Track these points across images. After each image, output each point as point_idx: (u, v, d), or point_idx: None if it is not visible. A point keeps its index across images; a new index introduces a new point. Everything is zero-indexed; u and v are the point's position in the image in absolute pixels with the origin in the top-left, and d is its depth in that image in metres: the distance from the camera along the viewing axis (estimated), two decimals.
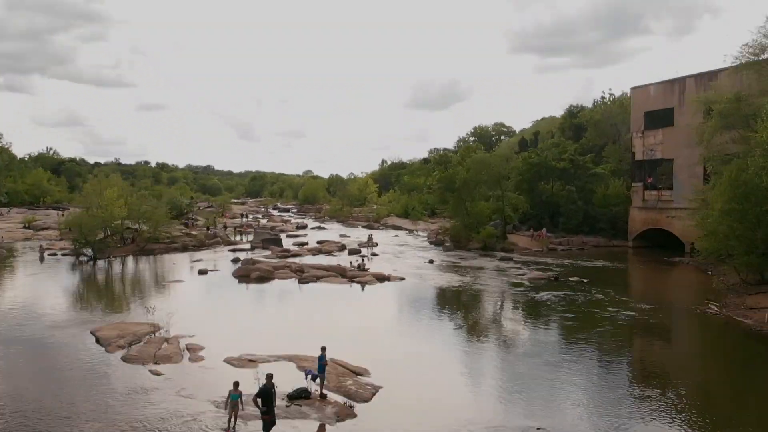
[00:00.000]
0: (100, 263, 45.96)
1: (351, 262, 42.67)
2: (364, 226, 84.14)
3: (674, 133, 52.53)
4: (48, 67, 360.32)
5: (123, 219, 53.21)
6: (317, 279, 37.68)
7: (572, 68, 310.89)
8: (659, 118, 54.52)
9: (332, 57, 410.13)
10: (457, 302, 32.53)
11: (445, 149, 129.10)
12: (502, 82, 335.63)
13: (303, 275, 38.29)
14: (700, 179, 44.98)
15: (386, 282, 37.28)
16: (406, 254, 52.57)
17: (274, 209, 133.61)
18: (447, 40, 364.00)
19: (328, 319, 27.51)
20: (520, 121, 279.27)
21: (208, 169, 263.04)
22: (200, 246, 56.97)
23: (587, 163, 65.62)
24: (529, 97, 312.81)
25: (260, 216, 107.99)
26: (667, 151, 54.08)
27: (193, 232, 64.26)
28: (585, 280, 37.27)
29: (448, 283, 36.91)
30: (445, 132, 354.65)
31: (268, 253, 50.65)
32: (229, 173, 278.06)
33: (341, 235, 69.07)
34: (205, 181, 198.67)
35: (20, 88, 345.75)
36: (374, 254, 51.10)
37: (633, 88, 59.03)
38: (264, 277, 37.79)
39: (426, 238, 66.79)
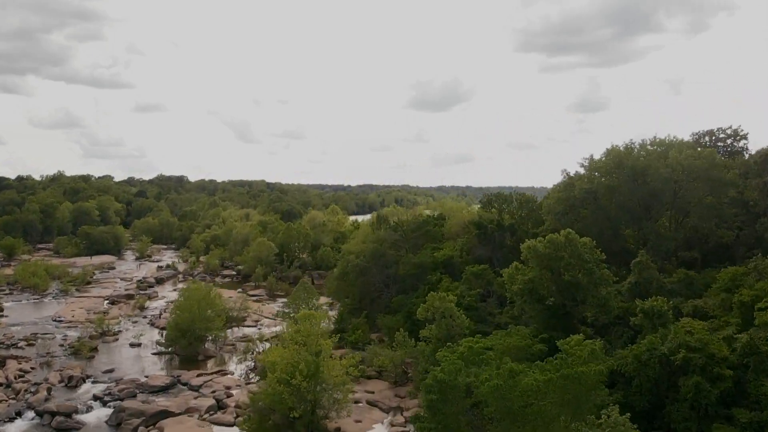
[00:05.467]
0: None
1: None
2: None
3: None
4: (43, 68, 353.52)
5: None
6: None
7: (580, 68, 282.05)
8: None
9: (331, 56, 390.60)
10: None
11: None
12: (507, 82, 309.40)
13: None
14: None
15: None
16: None
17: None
18: (450, 39, 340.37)
19: None
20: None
21: (180, 181, 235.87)
22: None
23: None
24: (534, 98, 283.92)
25: None
26: None
27: None
28: None
29: None
30: (446, 134, 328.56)
31: None
32: (211, 182, 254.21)
33: None
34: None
35: (14, 89, 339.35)
36: None
37: None
38: None
39: None
